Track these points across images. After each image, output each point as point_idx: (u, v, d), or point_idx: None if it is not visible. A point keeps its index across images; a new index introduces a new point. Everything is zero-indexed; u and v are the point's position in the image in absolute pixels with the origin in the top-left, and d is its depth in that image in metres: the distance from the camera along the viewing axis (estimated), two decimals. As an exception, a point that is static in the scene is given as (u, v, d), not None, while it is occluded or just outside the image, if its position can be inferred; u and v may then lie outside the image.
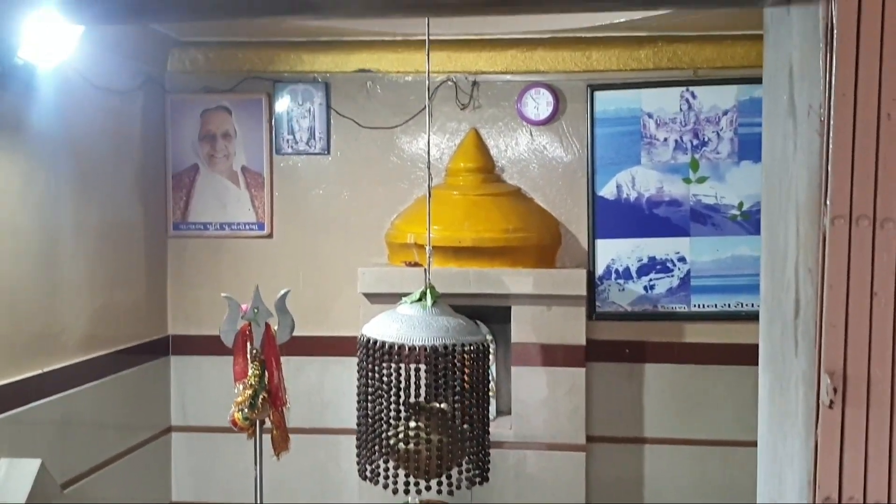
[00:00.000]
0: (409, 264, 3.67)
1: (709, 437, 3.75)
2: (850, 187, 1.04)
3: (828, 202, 1.05)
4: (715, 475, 3.75)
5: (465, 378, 2.63)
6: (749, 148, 3.68)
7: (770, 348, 1.37)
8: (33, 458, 2.63)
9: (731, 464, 3.72)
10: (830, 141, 1.06)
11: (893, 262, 1.06)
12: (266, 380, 2.90)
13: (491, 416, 3.64)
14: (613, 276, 3.77)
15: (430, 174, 2.91)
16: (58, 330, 3.15)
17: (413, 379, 2.59)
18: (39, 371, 3.01)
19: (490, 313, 3.76)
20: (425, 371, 2.60)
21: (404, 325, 2.64)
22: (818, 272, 1.07)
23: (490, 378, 3.71)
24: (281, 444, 2.98)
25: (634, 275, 3.77)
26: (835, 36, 1.05)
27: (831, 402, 1.04)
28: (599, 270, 3.78)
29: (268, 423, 2.99)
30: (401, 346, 2.58)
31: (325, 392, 3.95)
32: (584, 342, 3.62)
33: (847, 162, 1.04)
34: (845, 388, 1.05)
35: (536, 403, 3.64)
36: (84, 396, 3.28)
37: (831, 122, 1.05)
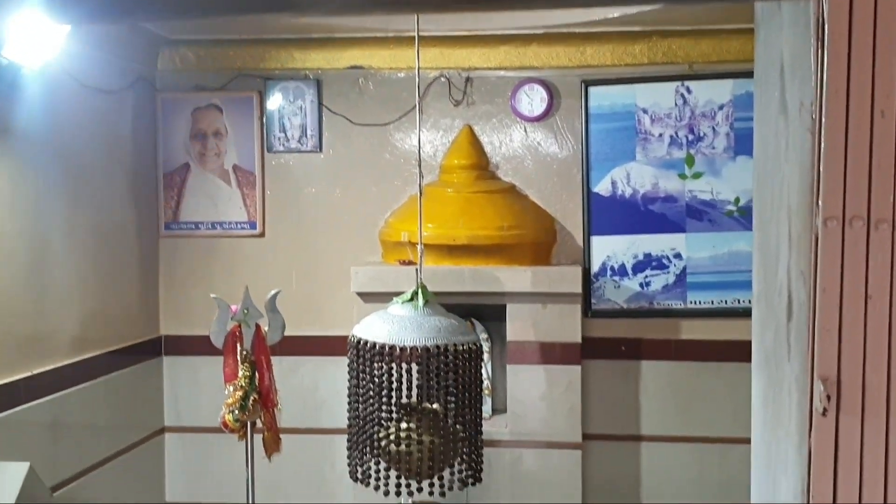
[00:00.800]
0: (403, 263, 3.64)
1: (706, 434, 3.72)
2: (842, 187, 1.01)
3: (820, 203, 1.02)
4: (712, 472, 3.72)
5: (457, 378, 2.60)
6: (745, 143, 3.64)
7: (763, 352, 1.33)
8: (22, 462, 2.59)
9: (729, 460, 3.69)
10: (822, 139, 1.02)
11: (888, 265, 1.02)
12: (257, 381, 2.87)
13: (486, 415, 3.62)
14: (609, 273, 3.74)
15: (420, 171, 2.87)
16: (48, 332, 3.12)
17: (404, 380, 2.56)
18: (28, 373, 2.98)
19: (485, 311, 3.73)
20: (417, 372, 2.57)
21: (395, 326, 2.61)
22: (811, 275, 1.04)
23: (486, 377, 3.68)
24: (272, 446, 2.95)
25: (630, 272, 3.74)
26: (826, 32, 1.01)
27: (825, 409, 1.01)
28: (595, 267, 3.75)
29: (259, 425, 2.96)
30: (392, 347, 2.55)
31: (320, 392, 3.92)
32: (579, 340, 3.59)
33: (840, 161, 1.00)
34: (839, 394, 1.01)
35: (532, 402, 3.61)
36: (75, 398, 3.25)
37: (823, 120, 1.02)
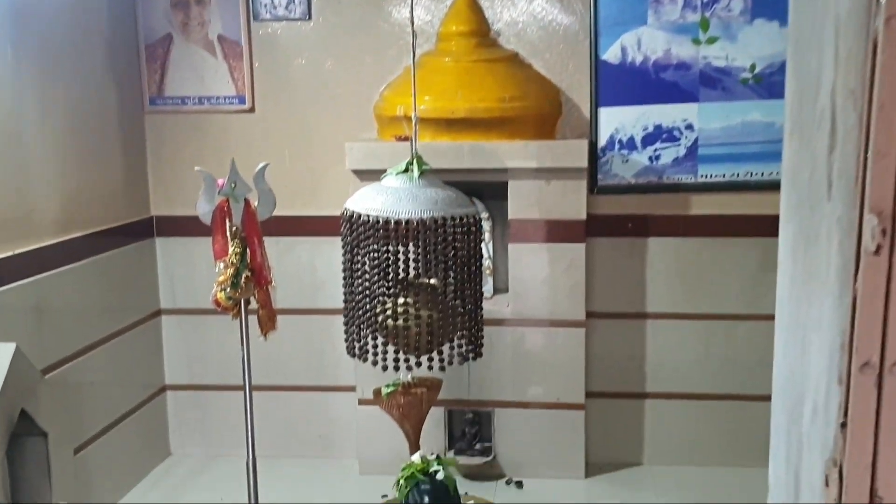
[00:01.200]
0: (400, 139, 3.46)
1: (713, 312, 3.63)
2: (912, -21, 0.84)
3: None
4: (718, 349, 3.66)
5: (456, 253, 2.48)
6: (763, 4, 3.39)
7: (794, 197, 1.19)
8: (7, 343, 2.51)
9: (735, 338, 3.62)
10: (889, -77, 0.84)
11: (961, 74, 0.86)
12: (248, 258, 2.75)
13: (488, 294, 3.53)
14: (617, 146, 3.57)
15: (413, 35, 2.66)
16: (27, 211, 2.98)
17: (401, 254, 2.45)
18: (10, 253, 2.87)
19: (486, 189, 3.58)
20: (413, 246, 2.45)
21: (390, 198, 2.48)
22: (864, 91, 0.88)
23: (487, 256, 3.57)
24: (268, 324, 2.85)
25: (639, 145, 3.56)
26: None
27: (878, 246, 0.87)
28: (602, 141, 3.57)
29: (253, 303, 2.86)
30: (387, 220, 2.43)
31: (318, 272, 3.82)
32: (584, 217, 3.46)
33: (911, -54, 0.83)
34: (895, 229, 0.87)
35: (534, 281, 3.51)
36: (62, 279, 3.14)
37: None
